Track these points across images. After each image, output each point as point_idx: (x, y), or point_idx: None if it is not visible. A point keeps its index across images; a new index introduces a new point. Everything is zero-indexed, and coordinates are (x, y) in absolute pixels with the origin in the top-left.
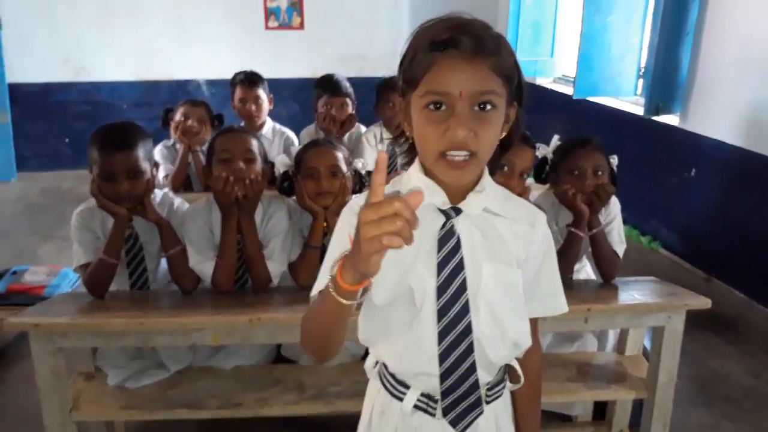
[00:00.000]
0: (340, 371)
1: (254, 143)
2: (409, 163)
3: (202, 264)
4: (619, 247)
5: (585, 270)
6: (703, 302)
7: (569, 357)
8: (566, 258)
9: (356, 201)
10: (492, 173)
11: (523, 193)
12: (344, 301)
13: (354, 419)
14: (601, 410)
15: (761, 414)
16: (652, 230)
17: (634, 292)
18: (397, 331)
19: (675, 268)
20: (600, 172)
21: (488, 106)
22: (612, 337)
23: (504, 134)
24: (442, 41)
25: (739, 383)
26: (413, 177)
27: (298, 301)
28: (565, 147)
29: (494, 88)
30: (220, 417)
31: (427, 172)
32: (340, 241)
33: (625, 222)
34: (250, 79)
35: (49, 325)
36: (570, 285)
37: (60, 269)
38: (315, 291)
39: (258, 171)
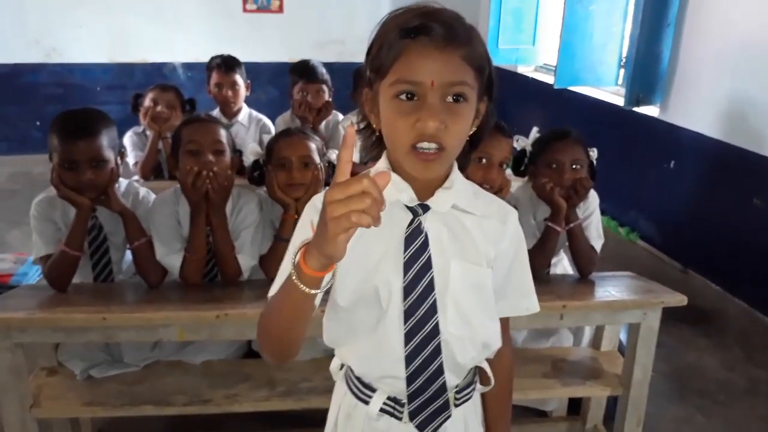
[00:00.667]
0: (311, 367)
1: (223, 133)
2: (375, 158)
3: (169, 257)
4: (597, 242)
5: (562, 264)
6: (679, 299)
7: (544, 353)
8: (543, 252)
9: (319, 197)
10: (462, 169)
11: (504, 184)
12: (308, 290)
13: (326, 414)
14: (576, 405)
15: (735, 407)
16: (630, 222)
17: (610, 288)
18: (362, 333)
19: (652, 260)
20: (578, 166)
21: (460, 99)
22: (588, 332)
23: (474, 129)
24: (413, 28)
25: (713, 376)
26: None
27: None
28: (543, 139)
29: (466, 79)
30: (188, 413)
31: (394, 167)
32: (301, 235)
33: (603, 213)
34: (227, 64)
35: (6, 319)
36: (546, 280)
37: (28, 257)
38: (273, 291)
39: (228, 163)
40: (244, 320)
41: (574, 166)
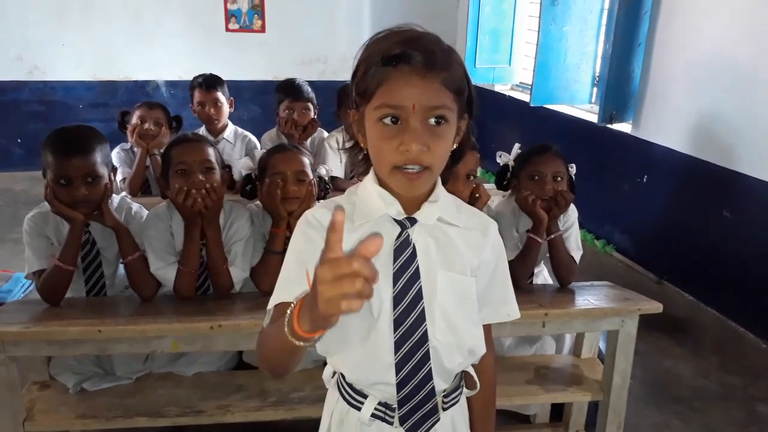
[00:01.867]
0: (302, 377)
1: (211, 152)
2: (364, 173)
3: (164, 269)
4: (576, 253)
5: (543, 274)
6: (655, 306)
7: (527, 360)
8: (525, 263)
9: (312, 212)
10: (444, 182)
11: (481, 196)
12: (299, 344)
13: (317, 425)
14: (559, 411)
15: (710, 412)
16: (606, 234)
17: (589, 297)
18: (354, 342)
19: (628, 272)
20: (559, 178)
21: (441, 121)
22: (569, 339)
23: (455, 146)
24: (394, 56)
25: (689, 383)
26: (368, 187)
27: (260, 308)
28: (525, 154)
29: (446, 102)
30: (181, 425)
31: (382, 182)
32: (294, 253)
33: (580, 226)
34: (208, 83)
35: None
36: (528, 289)
37: (12, 274)
38: (272, 304)
39: (217, 180)
40: (236, 331)
41: (556, 178)
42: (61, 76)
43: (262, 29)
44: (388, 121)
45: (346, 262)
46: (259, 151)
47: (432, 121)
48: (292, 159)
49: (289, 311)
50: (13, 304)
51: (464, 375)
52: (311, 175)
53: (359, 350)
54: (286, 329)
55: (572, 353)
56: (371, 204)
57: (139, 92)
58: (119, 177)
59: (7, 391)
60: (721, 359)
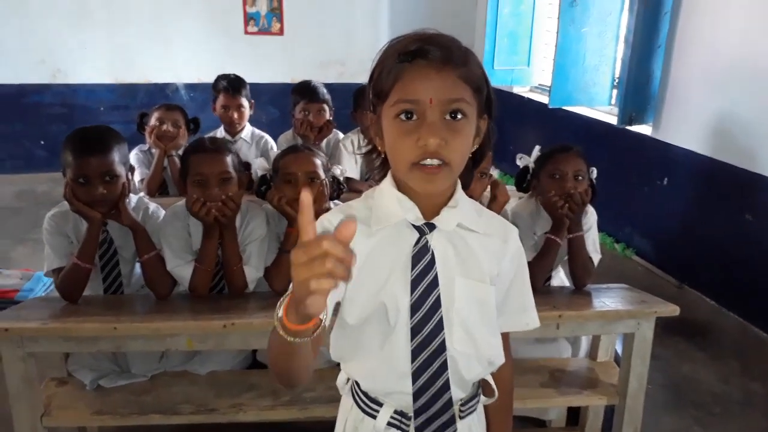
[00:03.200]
0: (315, 377)
1: (228, 161)
2: (381, 178)
3: (180, 268)
4: (594, 255)
5: (559, 276)
6: (672, 309)
7: (542, 363)
8: (542, 264)
9: (327, 217)
10: (465, 187)
11: (499, 197)
12: (293, 339)
13: (329, 425)
14: (575, 416)
15: (730, 419)
16: (625, 238)
17: (604, 299)
18: (370, 350)
19: (648, 276)
20: (580, 177)
21: (459, 115)
22: (585, 342)
23: (476, 147)
24: (410, 52)
25: (708, 389)
26: (385, 192)
27: (273, 307)
28: (547, 153)
29: (463, 96)
30: (195, 423)
31: (400, 186)
32: None
33: (599, 229)
34: (233, 86)
35: (19, 329)
36: (544, 291)
37: (33, 273)
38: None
39: (234, 189)
40: (250, 330)
41: (577, 178)
42: (83, 79)
43: (281, 32)
44: (404, 117)
45: (315, 243)
46: (274, 152)
47: (449, 115)
48: (304, 160)
49: (279, 304)
50: (32, 301)
51: (482, 382)
52: (323, 176)
53: (375, 358)
54: (276, 323)
55: (588, 357)
56: (389, 209)
57: (159, 94)
58: (137, 178)
59: (26, 386)
60: (743, 364)
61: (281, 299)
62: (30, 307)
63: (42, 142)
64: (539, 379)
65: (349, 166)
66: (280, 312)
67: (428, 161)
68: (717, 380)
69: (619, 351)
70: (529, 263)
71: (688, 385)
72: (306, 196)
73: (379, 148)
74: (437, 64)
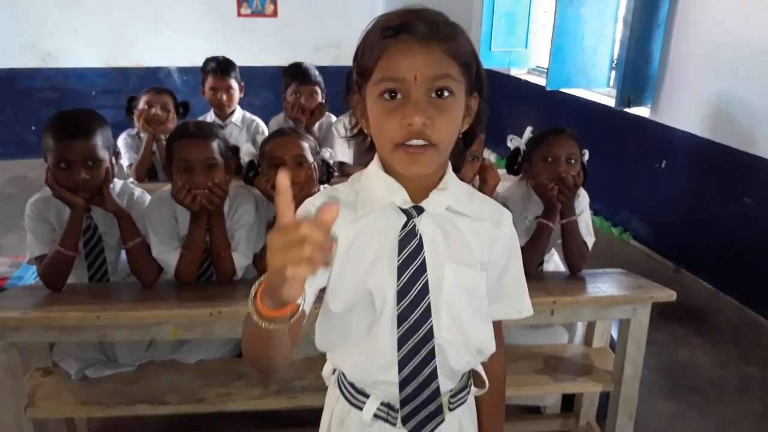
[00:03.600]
0: (305, 365)
1: (214, 146)
2: (367, 163)
3: (166, 254)
4: (588, 239)
5: (553, 260)
6: (668, 294)
7: (536, 350)
8: (535, 249)
9: (311, 201)
10: (457, 170)
11: (489, 179)
12: (269, 326)
13: (319, 414)
14: (570, 402)
15: (727, 404)
16: (622, 222)
17: (600, 284)
18: (355, 338)
19: (645, 260)
20: (573, 161)
21: (445, 93)
22: (581, 328)
23: (466, 127)
24: (394, 26)
25: (705, 374)
26: (372, 174)
27: None
28: (539, 135)
29: (450, 72)
30: (183, 412)
31: (387, 169)
32: None
33: (596, 213)
34: (222, 68)
35: (0, 319)
36: (538, 276)
37: (23, 260)
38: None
39: (221, 176)
40: (237, 318)
41: (569, 161)
42: (74, 63)
43: (275, 14)
44: (388, 96)
45: (293, 227)
46: (262, 136)
47: (436, 93)
48: (290, 143)
49: (253, 289)
50: (17, 289)
51: (472, 373)
52: (311, 159)
53: (360, 347)
54: (251, 309)
55: (584, 342)
56: (375, 192)
57: (152, 78)
58: (126, 163)
59: (10, 377)
60: (740, 349)
61: (255, 282)
62: (12, 296)
63: (33, 128)
64: (533, 365)
65: (342, 150)
66: (255, 296)
67: (413, 141)
68: (714, 365)
69: (615, 337)
70: (522, 248)
71: (685, 370)
72: (283, 178)
73: (365, 130)
74: (422, 38)
